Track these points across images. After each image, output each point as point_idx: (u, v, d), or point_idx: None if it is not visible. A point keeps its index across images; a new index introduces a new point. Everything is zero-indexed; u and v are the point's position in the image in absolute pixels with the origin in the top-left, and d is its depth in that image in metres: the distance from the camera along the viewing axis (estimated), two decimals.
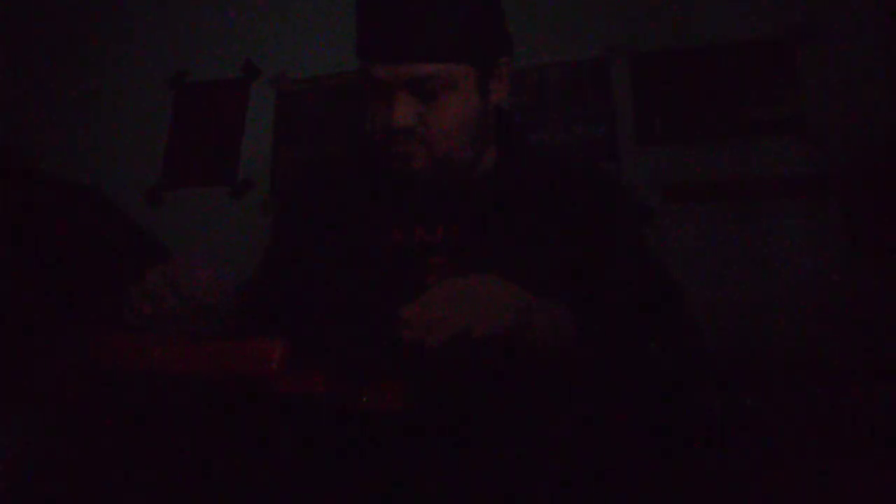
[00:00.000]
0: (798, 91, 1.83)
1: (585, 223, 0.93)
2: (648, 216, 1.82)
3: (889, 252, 1.65)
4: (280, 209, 1.10)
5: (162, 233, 2.06)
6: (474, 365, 0.79)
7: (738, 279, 1.75)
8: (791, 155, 1.80)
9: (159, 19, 2.38)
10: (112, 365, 0.80)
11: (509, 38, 0.93)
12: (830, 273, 1.70)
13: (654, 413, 0.90)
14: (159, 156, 2.26)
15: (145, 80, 2.33)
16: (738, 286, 1.75)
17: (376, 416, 0.78)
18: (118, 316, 0.78)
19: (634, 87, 1.94)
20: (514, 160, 0.99)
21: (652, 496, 0.88)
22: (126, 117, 2.31)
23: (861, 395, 1.50)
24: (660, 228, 1.81)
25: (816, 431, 1.47)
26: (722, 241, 1.79)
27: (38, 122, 2.33)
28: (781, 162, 1.80)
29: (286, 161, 2.16)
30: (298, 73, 2.22)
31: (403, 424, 0.80)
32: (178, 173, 2.24)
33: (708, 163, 1.85)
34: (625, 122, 1.93)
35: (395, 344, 0.72)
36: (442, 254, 0.90)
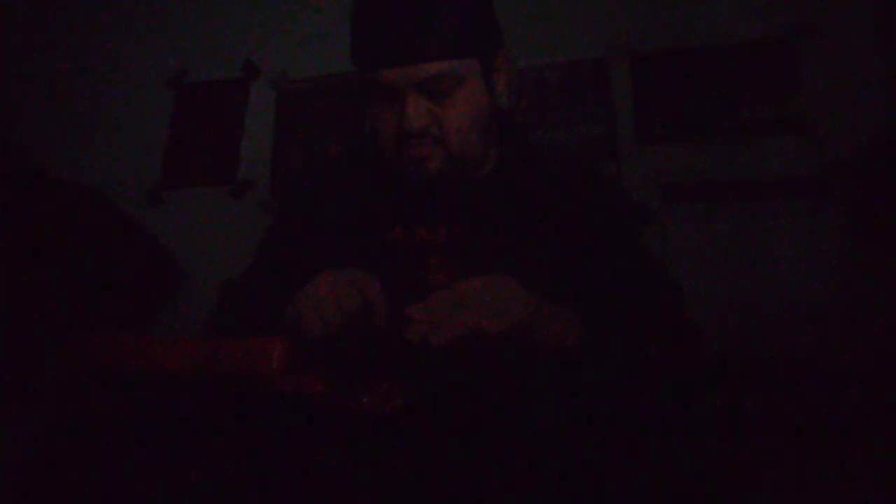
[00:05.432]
0: (798, 91, 1.82)
1: (585, 223, 0.93)
2: (648, 216, 1.82)
3: (889, 252, 1.65)
4: (280, 209, 1.10)
5: (162, 233, 2.07)
6: (479, 365, 0.79)
7: (738, 279, 1.75)
8: (791, 155, 1.80)
9: (159, 19, 2.38)
10: (112, 365, 0.80)
11: (501, 28, 0.94)
12: (830, 273, 1.70)
13: (655, 413, 0.90)
14: (159, 156, 2.26)
15: (145, 80, 2.33)
16: (738, 286, 1.75)
17: (376, 416, 0.78)
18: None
19: (634, 87, 1.94)
20: (516, 160, 0.99)
21: (652, 496, 0.88)
22: (126, 117, 2.31)
23: (861, 395, 1.50)
24: (660, 228, 1.81)
25: (816, 431, 1.47)
26: (722, 241, 1.79)
27: (38, 122, 2.33)
28: (781, 162, 1.80)
29: (286, 161, 2.16)
30: (298, 73, 2.21)
31: (403, 424, 0.80)
32: (178, 173, 2.24)
33: (708, 163, 1.84)
34: (625, 122, 1.92)
35: (399, 343, 0.71)
36: (443, 253, 0.90)
